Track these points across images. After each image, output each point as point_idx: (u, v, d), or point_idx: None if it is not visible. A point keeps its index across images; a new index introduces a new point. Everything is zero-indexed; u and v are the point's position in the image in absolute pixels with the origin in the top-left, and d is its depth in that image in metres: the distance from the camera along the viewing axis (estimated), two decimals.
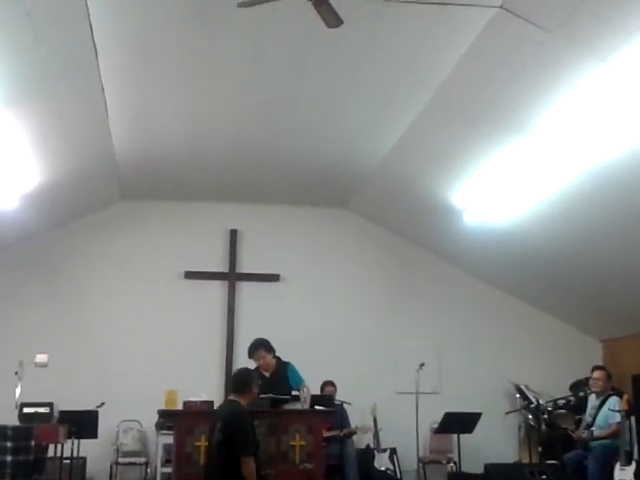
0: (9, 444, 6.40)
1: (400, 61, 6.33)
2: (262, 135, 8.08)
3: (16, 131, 6.66)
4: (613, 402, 7.67)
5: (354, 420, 9.10)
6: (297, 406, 6.85)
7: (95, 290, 9.84)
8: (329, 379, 9.04)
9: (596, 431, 7.66)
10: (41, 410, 6.77)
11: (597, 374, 8.00)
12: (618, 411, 7.45)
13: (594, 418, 7.77)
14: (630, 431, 7.62)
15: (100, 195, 9.70)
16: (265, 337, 7.39)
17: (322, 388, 8.92)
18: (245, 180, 9.45)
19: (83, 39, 5.89)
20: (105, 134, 7.76)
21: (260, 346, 7.33)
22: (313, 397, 7.18)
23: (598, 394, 7.90)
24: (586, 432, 7.77)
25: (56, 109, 6.70)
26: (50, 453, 6.97)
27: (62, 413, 6.99)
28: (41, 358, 7.29)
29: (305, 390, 6.86)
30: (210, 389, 7.88)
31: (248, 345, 7.43)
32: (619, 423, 7.41)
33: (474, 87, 6.46)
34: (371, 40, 6.08)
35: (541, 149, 6.68)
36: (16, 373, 7.12)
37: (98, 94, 6.84)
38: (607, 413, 7.64)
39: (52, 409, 6.80)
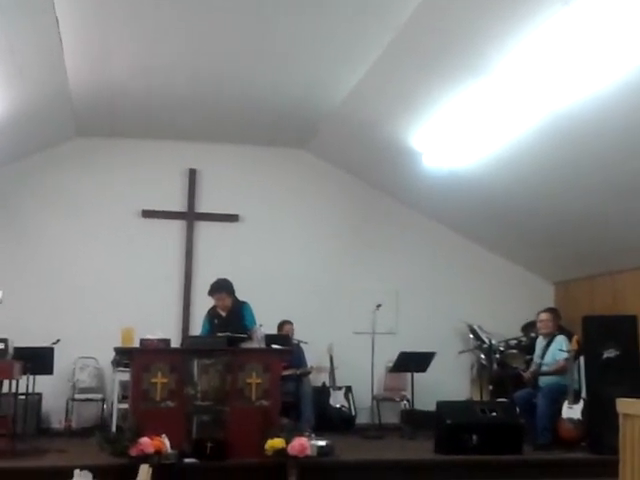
0: None
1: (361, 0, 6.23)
2: (221, 73, 7.95)
3: None
4: (560, 341, 7.89)
5: (311, 359, 9.20)
6: (254, 345, 6.92)
7: (50, 227, 9.70)
8: (287, 319, 9.12)
9: (544, 367, 7.89)
10: None
11: (544, 316, 8.18)
12: (567, 351, 7.67)
13: (542, 357, 7.98)
14: (579, 370, 7.83)
15: (55, 131, 9.48)
16: (227, 277, 7.44)
17: (280, 327, 8.99)
18: (204, 119, 9.32)
19: None
20: (60, 68, 7.55)
21: (223, 289, 7.42)
22: (270, 336, 7.27)
23: (545, 335, 8.10)
24: (534, 367, 8.01)
25: (7, 40, 6.49)
26: (5, 389, 6.96)
27: (17, 349, 6.97)
28: None
29: (257, 332, 6.95)
30: (167, 327, 7.91)
31: (209, 282, 7.51)
32: (566, 359, 7.64)
33: (435, 28, 6.38)
34: None
35: (501, 92, 6.66)
36: None
37: (52, 27, 6.63)
38: (555, 352, 7.87)
39: (7, 345, 6.79)
